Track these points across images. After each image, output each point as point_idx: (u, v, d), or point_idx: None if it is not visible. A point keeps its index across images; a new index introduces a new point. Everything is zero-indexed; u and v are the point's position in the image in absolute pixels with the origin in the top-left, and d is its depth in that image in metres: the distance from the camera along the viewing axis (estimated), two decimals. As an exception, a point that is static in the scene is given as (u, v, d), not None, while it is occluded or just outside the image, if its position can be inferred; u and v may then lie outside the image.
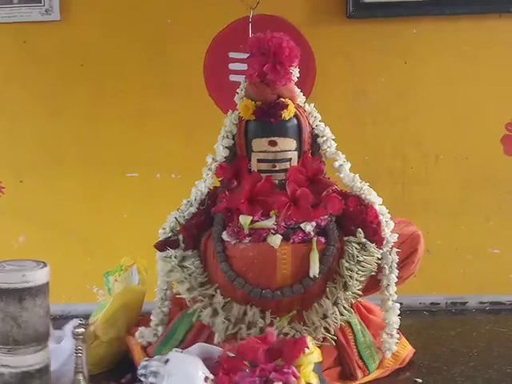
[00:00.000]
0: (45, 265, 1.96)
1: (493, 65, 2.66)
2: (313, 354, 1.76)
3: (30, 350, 1.89)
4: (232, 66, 2.65)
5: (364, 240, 2.05)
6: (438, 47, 2.65)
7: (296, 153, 2.11)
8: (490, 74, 2.66)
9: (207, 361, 1.92)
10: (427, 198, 2.68)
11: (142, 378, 1.93)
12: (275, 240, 2.01)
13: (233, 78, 2.61)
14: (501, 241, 2.70)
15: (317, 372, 1.77)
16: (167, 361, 1.90)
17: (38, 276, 1.91)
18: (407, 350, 2.19)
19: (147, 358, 1.99)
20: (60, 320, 2.36)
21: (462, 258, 2.69)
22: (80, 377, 1.96)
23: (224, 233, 2.07)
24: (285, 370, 1.68)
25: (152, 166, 2.70)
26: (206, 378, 1.85)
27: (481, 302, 2.68)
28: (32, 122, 2.71)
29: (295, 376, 1.68)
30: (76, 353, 1.95)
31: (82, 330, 1.96)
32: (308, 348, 1.75)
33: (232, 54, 2.64)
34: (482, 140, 2.68)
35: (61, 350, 2.06)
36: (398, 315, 2.12)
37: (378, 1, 2.63)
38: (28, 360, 1.89)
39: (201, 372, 1.86)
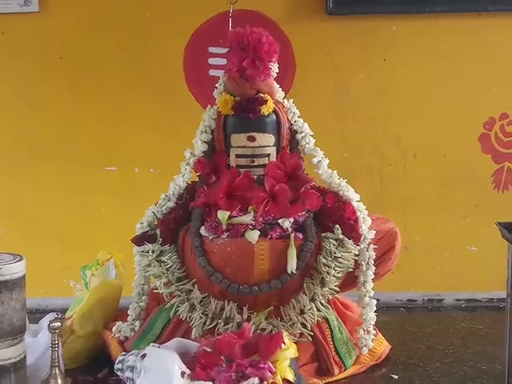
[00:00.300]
0: (21, 258, 1.95)
1: (472, 63, 2.66)
2: (289, 350, 1.77)
3: (6, 344, 1.89)
4: (212, 61, 2.64)
5: (341, 236, 2.06)
6: (418, 45, 2.66)
7: (274, 148, 2.12)
8: (468, 72, 2.66)
9: (184, 356, 1.92)
10: (405, 195, 2.68)
11: (119, 373, 1.94)
12: (253, 235, 2.02)
13: (212, 72, 2.60)
14: (478, 238, 2.71)
15: (293, 367, 1.78)
16: (144, 355, 1.90)
17: (14, 269, 1.91)
18: (383, 347, 2.20)
19: (124, 353, 1.98)
20: (36, 314, 2.36)
21: (440, 255, 2.70)
22: (56, 371, 1.96)
23: (202, 228, 2.07)
24: (261, 365, 1.68)
25: (130, 161, 2.69)
26: (183, 373, 1.85)
27: (457, 300, 2.70)
28: (9, 115, 2.69)
29: (271, 371, 1.69)
30: (52, 347, 1.95)
31: (58, 324, 1.96)
32: (284, 343, 1.76)
33: (212, 49, 2.63)
34: (459, 138, 2.69)
35: (37, 343, 2.06)
36: (375, 311, 2.13)
37: (358, -3, 2.63)
38: (3, 354, 1.89)
39: (177, 367, 1.85)
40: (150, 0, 2.65)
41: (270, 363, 1.71)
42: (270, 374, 1.68)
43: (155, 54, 2.64)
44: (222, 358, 1.78)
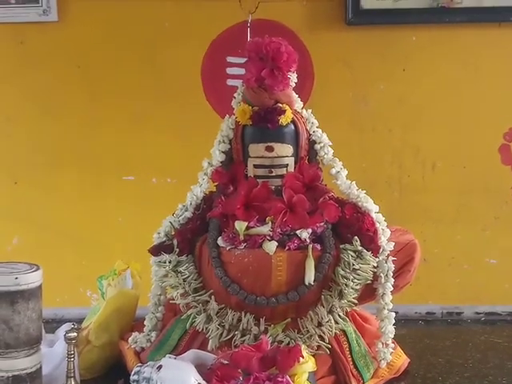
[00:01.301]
0: (38, 268, 1.93)
1: (492, 74, 2.64)
2: (307, 363, 1.73)
3: (22, 354, 1.87)
4: (230, 71, 2.61)
5: (360, 248, 2.02)
6: (437, 55, 2.63)
7: (293, 159, 2.08)
8: (488, 82, 2.64)
9: (200, 367, 1.90)
10: (424, 206, 2.65)
11: None
12: (271, 246, 1.98)
13: (230, 82, 2.58)
14: (497, 251, 2.68)
15: (311, 381, 1.75)
16: (160, 367, 1.87)
17: (31, 279, 1.89)
18: (402, 360, 2.16)
19: (140, 364, 1.96)
20: (53, 323, 2.34)
21: (459, 268, 2.67)
22: (72, 382, 1.94)
23: (219, 238, 2.04)
24: (279, 379, 1.64)
25: (148, 170, 2.67)
26: None
27: (476, 313, 2.65)
28: (28, 124, 2.68)
29: None
30: (68, 357, 1.94)
31: (75, 334, 1.94)
32: (302, 357, 1.73)
33: (230, 59, 2.61)
34: (479, 149, 2.66)
35: (53, 353, 2.04)
36: (393, 324, 2.10)
37: (377, 8, 2.60)
38: (19, 364, 1.87)
39: (194, 379, 1.83)
40: (168, 9, 2.63)
41: (288, 377, 1.68)
42: None
43: (173, 63, 2.63)
44: (239, 371, 1.76)
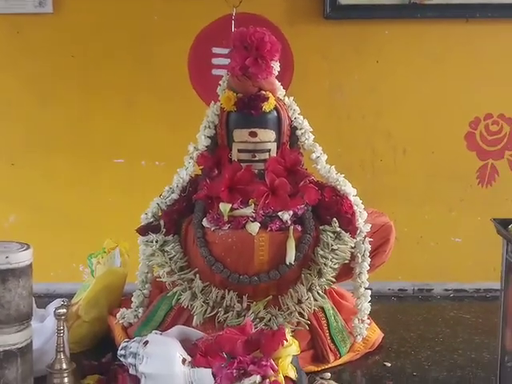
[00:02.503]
0: (28, 247, 1.79)
1: (459, 66, 2.48)
2: (291, 347, 1.58)
3: (13, 330, 1.72)
4: (215, 61, 2.45)
5: (339, 229, 1.90)
6: (409, 48, 2.47)
7: (275, 144, 1.95)
8: (456, 74, 2.48)
9: (185, 343, 1.76)
10: (395, 188, 2.50)
11: (122, 359, 1.78)
12: (253, 227, 1.86)
13: (216, 72, 2.41)
14: (462, 230, 2.53)
15: (295, 364, 1.58)
16: (146, 342, 1.73)
17: (22, 258, 1.74)
18: (377, 335, 2.04)
19: (127, 340, 1.83)
20: (45, 298, 2.16)
21: (426, 246, 2.52)
22: (61, 356, 1.79)
23: (204, 219, 1.91)
24: (263, 362, 1.49)
25: (137, 154, 2.50)
26: (184, 360, 1.68)
27: (445, 290, 2.51)
28: (24, 110, 2.50)
29: (273, 369, 1.49)
30: (58, 333, 1.79)
31: (64, 310, 1.81)
32: (286, 340, 1.57)
33: (215, 50, 2.44)
34: (447, 135, 2.51)
35: (43, 328, 1.89)
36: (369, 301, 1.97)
37: (353, 3, 2.44)
38: (10, 339, 1.72)
39: (179, 354, 1.69)
40: (157, 3, 2.45)
41: (272, 360, 1.51)
42: (272, 371, 1.49)
43: (162, 54, 2.45)
44: (224, 354, 1.58)
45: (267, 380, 1.47)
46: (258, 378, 1.46)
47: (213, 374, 1.53)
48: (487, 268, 2.42)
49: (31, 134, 2.50)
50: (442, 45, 2.46)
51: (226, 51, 2.30)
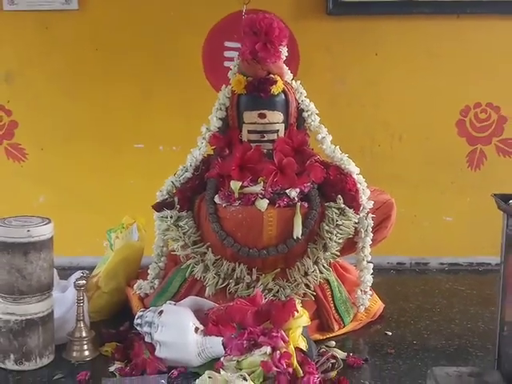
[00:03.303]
0: (49, 221, 1.65)
1: (451, 58, 2.27)
2: (301, 318, 1.39)
3: (34, 300, 1.58)
4: (227, 54, 2.24)
5: (343, 206, 1.71)
6: (405, 42, 2.26)
7: (283, 125, 1.76)
8: (448, 66, 2.27)
9: (198, 312, 1.60)
10: (391, 172, 2.29)
11: (138, 328, 1.62)
12: (262, 204, 1.68)
13: (227, 64, 2.18)
14: (453, 210, 2.33)
15: (305, 335, 1.38)
16: (161, 312, 1.58)
17: (43, 231, 1.58)
18: (378, 305, 1.86)
19: (143, 309, 1.68)
20: (68, 271, 1.97)
21: (420, 224, 2.31)
22: (81, 324, 1.65)
23: (216, 196, 1.73)
24: (273, 333, 1.29)
25: (156, 139, 2.30)
26: (197, 329, 1.53)
27: (441, 263, 2.30)
28: (51, 99, 2.29)
29: (284, 340, 1.30)
30: (77, 302, 1.65)
31: (83, 281, 1.66)
32: (297, 311, 1.37)
33: (227, 43, 2.24)
34: (439, 123, 2.30)
35: (65, 298, 1.72)
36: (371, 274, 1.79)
37: (353, 0, 2.22)
38: (32, 309, 1.58)
39: (192, 323, 1.54)
40: (173, 0, 2.24)
41: (282, 332, 1.32)
42: (282, 342, 1.29)
43: (178, 47, 2.25)
44: (234, 324, 1.39)
45: (278, 351, 1.27)
46: (268, 349, 1.27)
47: (223, 344, 1.33)
48: (478, 243, 2.25)
49: (58, 121, 2.30)
50: (436, 39, 2.25)
51: (237, 45, 2.10)
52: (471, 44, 2.25)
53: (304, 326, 1.39)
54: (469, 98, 2.29)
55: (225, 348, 1.32)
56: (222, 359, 1.34)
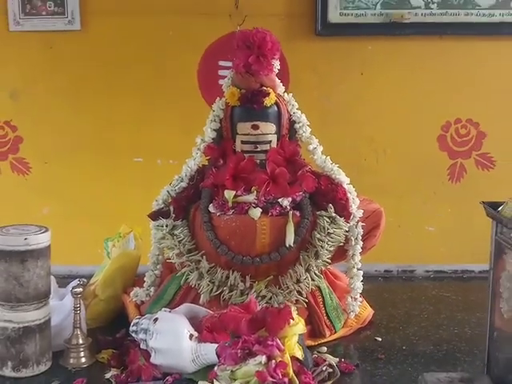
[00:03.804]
0: (46, 229, 1.50)
1: (432, 77, 2.13)
2: (297, 326, 1.21)
3: (32, 308, 1.43)
4: (221, 72, 2.09)
5: (334, 214, 1.57)
6: (389, 62, 2.13)
7: (275, 136, 1.62)
8: (430, 84, 2.14)
9: (193, 320, 1.44)
10: (377, 184, 2.13)
11: (134, 334, 1.47)
12: (255, 213, 1.53)
13: (222, 82, 2.01)
14: (435, 220, 2.18)
15: (301, 344, 1.21)
16: (156, 319, 1.42)
17: (40, 239, 1.43)
18: (368, 312, 1.71)
19: (139, 316, 1.53)
20: (68, 279, 1.80)
21: (404, 234, 2.15)
22: (78, 332, 1.50)
23: (210, 205, 1.58)
24: (269, 342, 1.12)
25: (154, 153, 2.15)
26: (191, 336, 1.37)
27: (426, 271, 2.15)
28: (55, 115, 2.14)
29: (279, 349, 1.12)
30: (74, 310, 1.49)
31: (80, 289, 1.51)
32: (293, 319, 1.20)
33: (221, 62, 2.10)
34: (422, 138, 2.16)
35: (62, 306, 1.57)
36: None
37: (341, 22, 2.10)
38: (29, 316, 1.43)
39: (186, 330, 1.38)
40: (172, 21, 2.09)
41: (278, 340, 1.15)
42: (278, 351, 1.12)
43: (175, 66, 2.11)
44: (228, 332, 1.23)
45: (273, 360, 1.10)
46: (263, 358, 1.10)
47: (217, 353, 1.16)
48: (459, 252, 2.11)
49: (62, 136, 2.15)
50: (419, 59, 2.12)
51: (230, 64, 1.94)
52: (452, 63, 2.12)
53: (300, 334, 1.23)
54: (450, 114, 2.15)
55: (218, 358, 1.16)
56: (215, 369, 1.18)
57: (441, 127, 2.16)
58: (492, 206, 1.31)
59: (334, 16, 2.08)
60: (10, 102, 2.14)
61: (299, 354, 1.19)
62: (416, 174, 2.16)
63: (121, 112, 2.14)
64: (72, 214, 2.14)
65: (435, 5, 2.09)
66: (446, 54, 2.12)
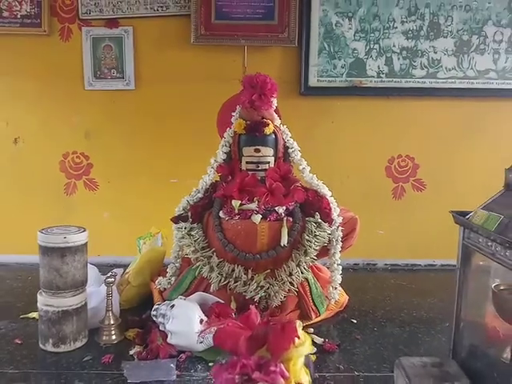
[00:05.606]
0: (84, 230, 1.03)
1: (382, 126, 1.72)
2: (304, 345, 0.66)
3: (69, 294, 1.00)
4: (233, 120, 1.62)
5: (319, 220, 1.16)
6: (352, 114, 1.72)
7: (273, 158, 1.21)
8: (380, 130, 1.72)
9: (204, 306, 1.02)
10: (342, 200, 1.61)
11: (154, 318, 1.03)
12: (257, 218, 1.12)
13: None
14: (384, 226, 1.74)
15: (308, 366, 0.67)
16: (173, 306, 1.01)
17: (77, 238, 1.00)
18: (344, 298, 1.27)
19: (159, 302, 1.08)
20: (113, 267, 1.35)
21: (365, 236, 1.62)
22: (110, 314, 1.06)
23: (220, 212, 1.16)
24: (271, 368, 0.60)
25: (187, 175, 1.67)
26: (201, 320, 0.96)
27: (385, 264, 1.69)
28: (116, 149, 1.72)
29: (284, 376, 0.60)
30: (107, 296, 1.05)
31: (112, 279, 1.07)
32: (298, 337, 0.65)
33: (233, 113, 1.61)
34: (374, 168, 1.74)
35: (99, 291, 1.12)
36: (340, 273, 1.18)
37: (318, 85, 1.69)
38: (67, 301, 1.00)
39: (197, 315, 0.97)
40: (198, 86, 1.68)
41: (281, 365, 0.61)
42: (282, 380, 0.60)
43: (201, 116, 1.67)
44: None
45: (276, 391, 0.58)
46: (265, 387, 0.59)
47: (212, 375, 0.66)
48: (400, 249, 1.66)
49: (120, 163, 1.73)
50: (372, 113, 1.70)
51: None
52: (396, 116, 1.71)
53: (306, 355, 0.66)
54: (393, 151, 1.74)
55: (214, 379, 0.66)
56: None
57: (387, 160, 1.74)
58: (460, 214, 0.87)
59: (313, 81, 1.68)
60: (84, 140, 1.73)
61: (306, 380, 0.63)
62: (369, 193, 1.74)
63: (162, 148, 1.71)
64: (122, 217, 1.71)
65: (384, 75, 1.69)
66: (392, 109, 1.72)
